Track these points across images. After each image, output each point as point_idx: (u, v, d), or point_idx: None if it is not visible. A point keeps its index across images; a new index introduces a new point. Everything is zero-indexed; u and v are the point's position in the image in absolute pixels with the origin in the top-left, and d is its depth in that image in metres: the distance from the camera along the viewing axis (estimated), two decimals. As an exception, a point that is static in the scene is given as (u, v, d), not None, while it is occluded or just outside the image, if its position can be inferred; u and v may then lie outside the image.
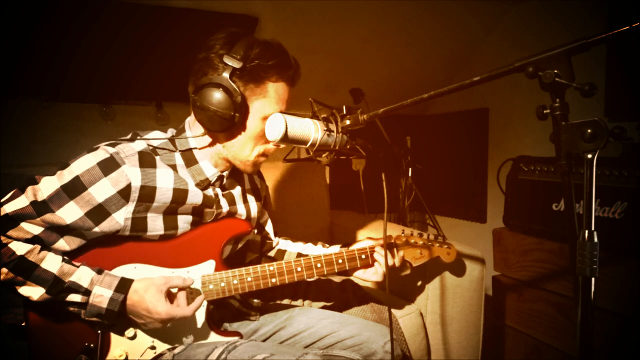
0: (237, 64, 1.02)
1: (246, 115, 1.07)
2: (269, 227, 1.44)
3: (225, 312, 1.28)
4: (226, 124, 1.04)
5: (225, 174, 1.17)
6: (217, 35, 1.07)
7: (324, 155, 1.06)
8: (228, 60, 1.02)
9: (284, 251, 1.43)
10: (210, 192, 1.15)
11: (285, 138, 0.99)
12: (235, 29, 1.08)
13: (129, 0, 1.75)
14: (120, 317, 1.03)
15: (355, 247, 1.29)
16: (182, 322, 1.09)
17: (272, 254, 1.44)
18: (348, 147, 1.06)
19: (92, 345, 1.05)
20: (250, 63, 1.03)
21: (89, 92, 2.00)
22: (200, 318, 1.13)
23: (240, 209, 1.25)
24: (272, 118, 1.02)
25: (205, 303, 1.13)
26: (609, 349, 1.43)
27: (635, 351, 1.37)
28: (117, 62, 1.93)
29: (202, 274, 1.13)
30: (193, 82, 1.07)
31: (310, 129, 1.01)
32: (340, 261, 1.24)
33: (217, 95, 1.02)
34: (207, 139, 1.12)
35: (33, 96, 1.95)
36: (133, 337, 1.08)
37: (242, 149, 1.11)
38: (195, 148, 1.12)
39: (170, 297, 1.05)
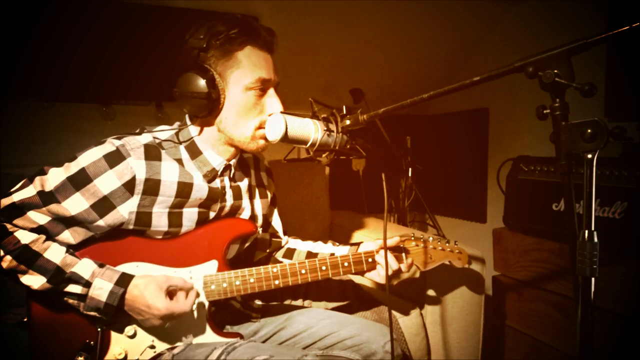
0: (202, 44, 1.04)
1: (227, 91, 1.07)
2: (278, 226, 1.43)
3: (227, 313, 1.28)
4: (208, 105, 1.05)
5: (233, 162, 1.17)
6: (189, 30, 1.08)
7: (324, 155, 1.06)
8: (194, 44, 1.04)
9: (294, 250, 1.42)
10: (217, 183, 1.15)
11: (286, 138, 0.99)
12: (204, 21, 1.09)
13: (129, 0, 1.75)
14: (119, 313, 1.03)
15: (362, 249, 1.28)
16: (183, 321, 1.09)
17: (281, 252, 1.43)
18: (348, 147, 1.06)
19: (92, 342, 1.05)
20: (214, 39, 1.04)
21: (89, 92, 2.00)
22: (201, 319, 1.13)
23: (245, 205, 1.24)
24: (272, 118, 1.02)
25: (207, 303, 1.12)
26: (609, 349, 1.43)
27: (635, 351, 1.37)
28: (117, 62, 1.93)
29: (205, 274, 1.13)
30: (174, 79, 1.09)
31: (310, 129, 1.01)
32: (345, 264, 1.22)
33: (189, 78, 1.04)
34: (204, 127, 1.12)
35: (33, 96, 1.96)
36: (133, 336, 1.08)
37: (236, 126, 1.09)
38: (196, 136, 1.12)
39: (170, 295, 1.05)
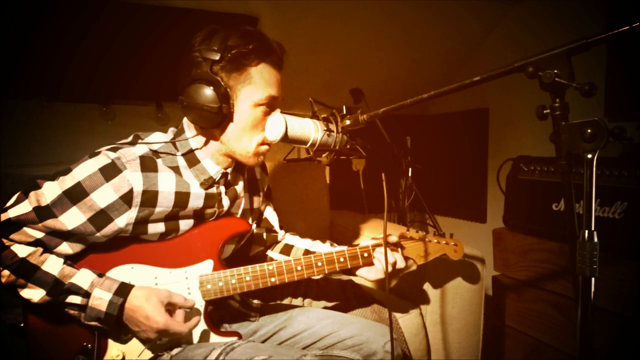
0: (215, 56, 1.02)
1: (235, 105, 1.07)
2: (273, 220, 1.42)
3: (225, 312, 1.28)
4: (216, 118, 1.04)
5: (229, 170, 1.17)
6: (197, 34, 1.07)
7: (324, 155, 1.06)
8: (206, 54, 1.02)
9: (292, 246, 1.41)
10: (213, 190, 1.15)
11: (285, 138, 0.99)
12: (214, 26, 1.07)
13: (129, 0, 1.75)
14: (118, 323, 1.03)
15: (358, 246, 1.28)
16: (175, 337, 1.09)
17: (278, 248, 1.42)
18: (348, 147, 1.06)
19: (89, 345, 1.05)
20: (228, 52, 1.02)
21: (89, 92, 2.00)
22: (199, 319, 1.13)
23: (243, 204, 1.24)
24: (272, 118, 1.02)
25: (203, 302, 1.12)
26: (609, 349, 1.43)
27: (635, 351, 1.37)
28: (117, 62, 1.93)
29: (200, 273, 1.13)
30: (180, 84, 1.07)
31: (310, 129, 1.01)
32: (341, 259, 1.22)
33: (201, 90, 1.02)
34: (205, 138, 1.11)
35: (33, 96, 1.95)
36: (130, 338, 1.08)
37: (240, 141, 1.09)
38: (197, 149, 1.12)
39: (169, 311, 1.05)
